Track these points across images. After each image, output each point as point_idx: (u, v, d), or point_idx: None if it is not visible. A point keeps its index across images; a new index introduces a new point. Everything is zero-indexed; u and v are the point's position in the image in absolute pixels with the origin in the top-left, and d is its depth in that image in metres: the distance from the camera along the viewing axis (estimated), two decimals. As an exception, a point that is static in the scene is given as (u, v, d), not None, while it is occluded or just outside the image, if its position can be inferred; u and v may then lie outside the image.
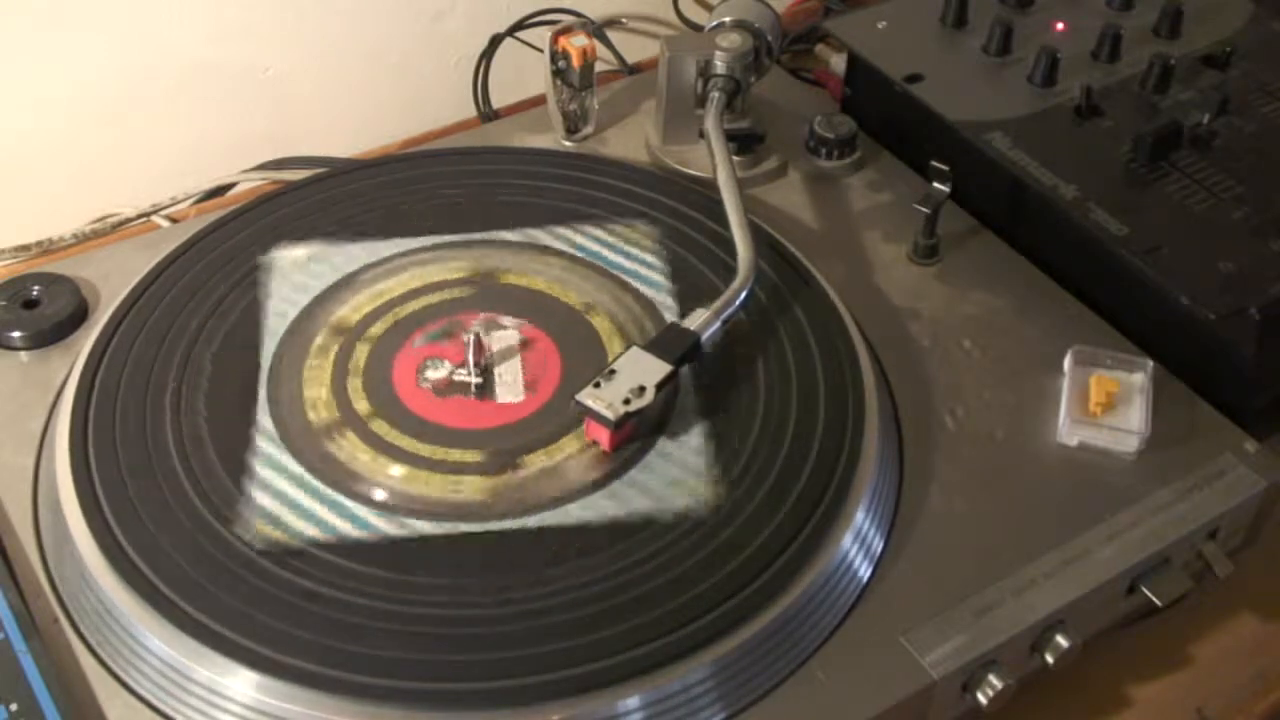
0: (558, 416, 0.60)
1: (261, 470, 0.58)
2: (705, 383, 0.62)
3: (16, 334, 0.65)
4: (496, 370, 0.62)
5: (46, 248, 0.78)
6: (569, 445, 0.59)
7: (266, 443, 0.59)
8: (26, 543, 0.57)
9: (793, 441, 0.59)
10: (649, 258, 0.69)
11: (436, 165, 0.74)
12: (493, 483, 0.58)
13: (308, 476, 0.58)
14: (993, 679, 0.54)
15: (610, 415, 0.57)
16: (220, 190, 0.83)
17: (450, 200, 0.72)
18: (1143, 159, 0.70)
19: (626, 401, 0.57)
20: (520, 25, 0.89)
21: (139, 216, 0.80)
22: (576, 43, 0.76)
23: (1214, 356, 0.64)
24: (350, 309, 0.66)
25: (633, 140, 0.79)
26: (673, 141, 0.77)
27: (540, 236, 0.70)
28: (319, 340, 0.64)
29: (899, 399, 0.64)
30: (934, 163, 0.69)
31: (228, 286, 0.66)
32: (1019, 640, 0.55)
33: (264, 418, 0.61)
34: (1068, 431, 0.62)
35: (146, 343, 0.63)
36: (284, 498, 0.57)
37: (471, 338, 0.62)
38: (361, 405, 0.61)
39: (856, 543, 0.56)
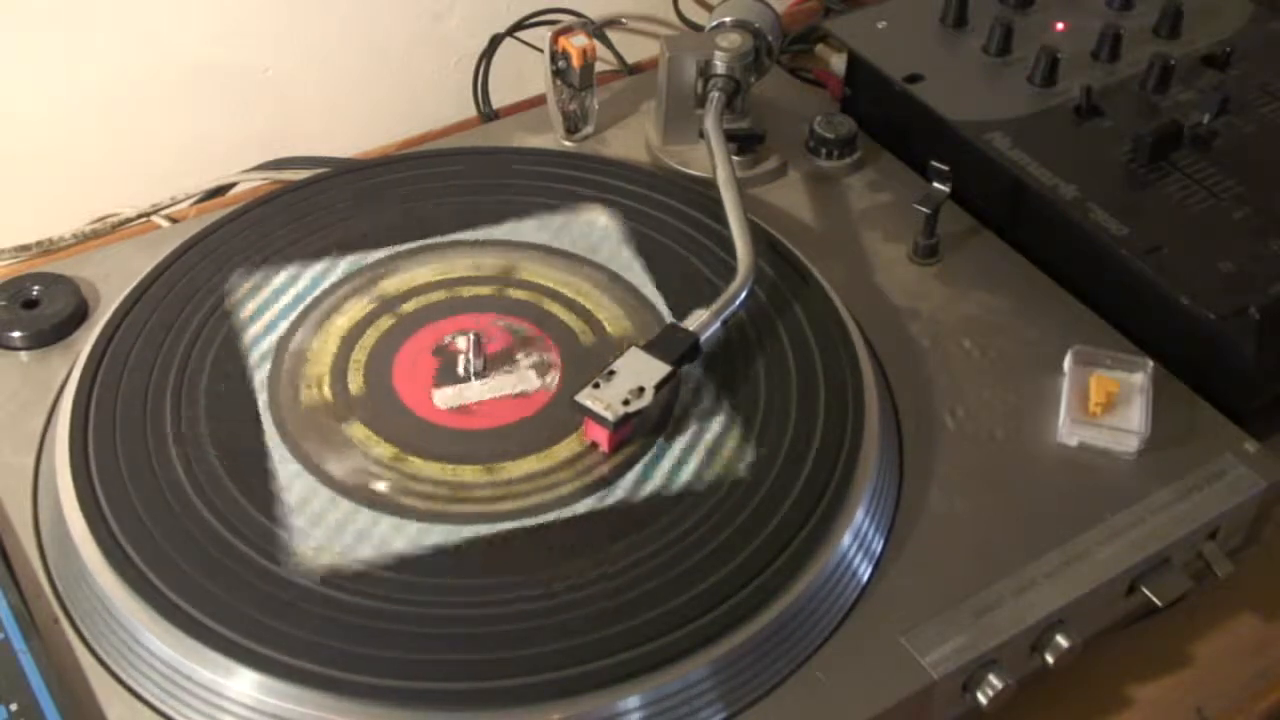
0: (435, 440, 0.59)
1: (246, 312, 0.65)
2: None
3: (16, 334, 0.65)
4: (482, 380, 0.62)
5: (46, 248, 0.78)
6: (384, 451, 0.59)
7: (270, 291, 0.66)
8: (26, 543, 0.57)
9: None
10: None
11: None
12: (325, 420, 0.60)
13: (278, 325, 0.64)
14: (993, 679, 0.54)
15: (609, 416, 0.57)
16: (220, 190, 0.83)
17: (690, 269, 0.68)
18: (1143, 159, 0.69)
19: (625, 402, 0.57)
20: (520, 25, 0.89)
21: (139, 216, 0.80)
22: (576, 43, 0.76)
23: (1214, 356, 0.64)
24: (502, 262, 0.68)
25: (633, 140, 0.79)
26: (673, 141, 0.77)
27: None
28: (447, 263, 0.68)
29: (899, 399, 0.64)
30: (934, 163, 0.69)
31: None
32: (1019, 640, 0.55)
33: (340, 264, 0.67)
34: (1068, 431, 0.62)
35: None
36: (258, 313, 0.65)
37: (472, 337, 0.62)
38: (386, 321, 0.65)
39: (856, 543, 0.56)
